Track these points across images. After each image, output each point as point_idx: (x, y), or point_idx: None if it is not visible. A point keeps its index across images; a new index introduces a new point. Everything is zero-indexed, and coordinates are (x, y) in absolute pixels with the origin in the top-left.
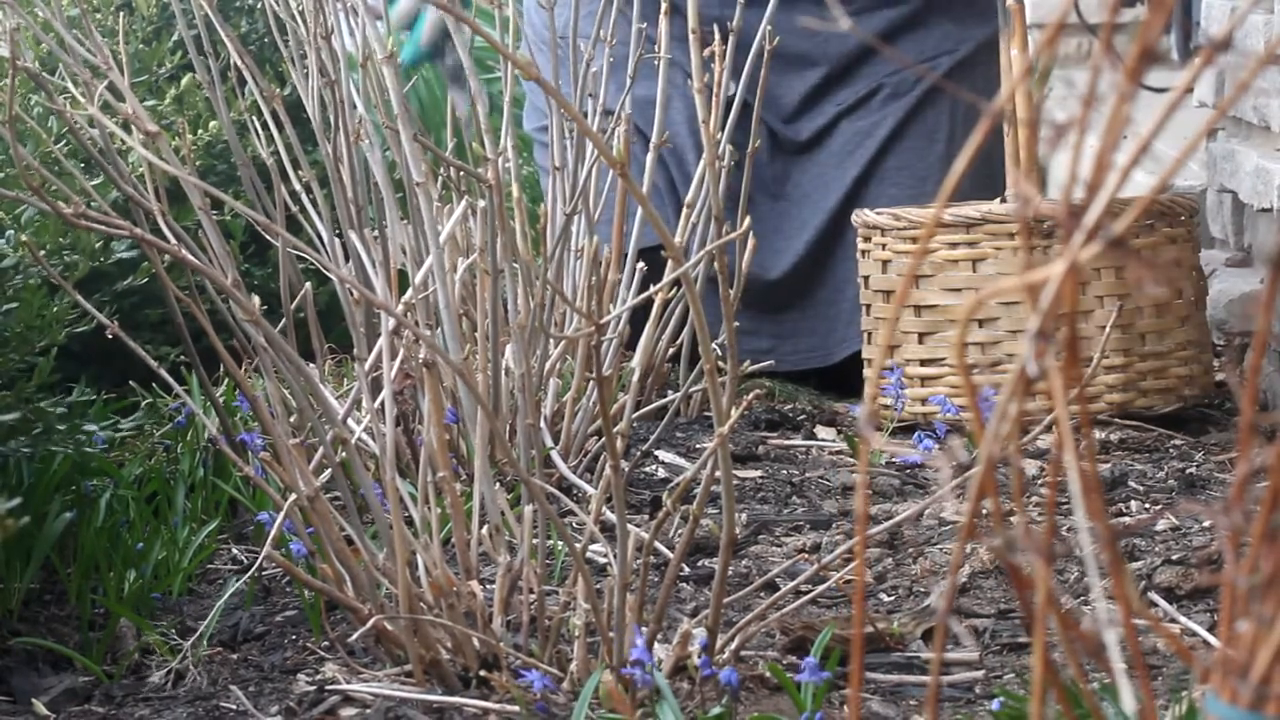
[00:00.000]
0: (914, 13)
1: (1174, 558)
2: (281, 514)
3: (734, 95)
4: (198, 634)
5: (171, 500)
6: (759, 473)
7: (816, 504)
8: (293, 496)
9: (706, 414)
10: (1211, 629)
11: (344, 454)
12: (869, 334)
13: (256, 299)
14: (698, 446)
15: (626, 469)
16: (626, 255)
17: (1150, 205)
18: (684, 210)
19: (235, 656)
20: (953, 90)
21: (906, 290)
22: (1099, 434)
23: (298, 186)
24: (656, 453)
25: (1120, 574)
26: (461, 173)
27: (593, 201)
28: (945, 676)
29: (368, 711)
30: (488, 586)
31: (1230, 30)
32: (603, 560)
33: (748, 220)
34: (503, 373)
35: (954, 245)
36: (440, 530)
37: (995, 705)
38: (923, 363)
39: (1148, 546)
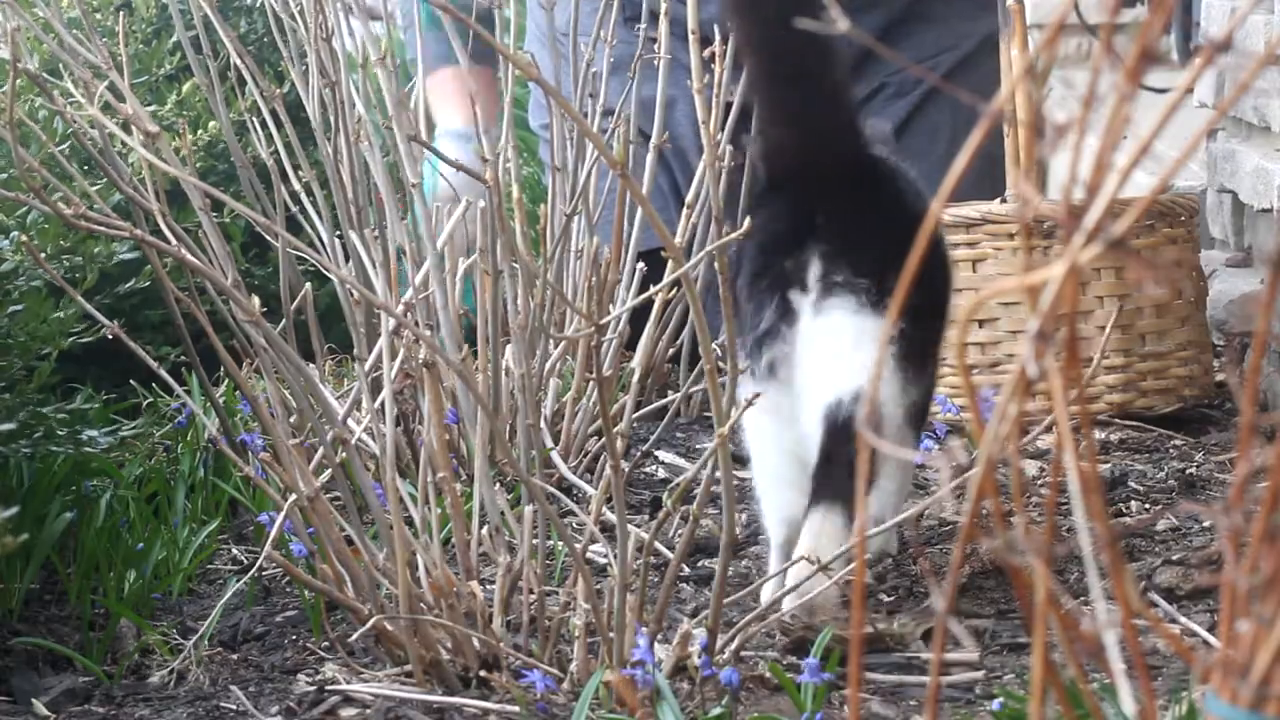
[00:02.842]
0: (913, 8)
1: (1174, 558)
2: (281, 514)
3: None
4: (198, 634)
5: (171, 500)
6: None
7: None
8: (293, 497)
9: (706, 414)
10: (1211, 629)
11: (344, 454)
12: None
13: (256, 300)
14: (698, 446)
15: (626, 469)
16: (626, 255)
17: (1150, 205)
18: (685, 211)
19: (235, 656)
20: (954, 90)
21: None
22: (1099, 434)
23: (297, 187)
24: (656, 453)
25: (1120, 574)
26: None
27: (593, 201)
28: (945, 676)
29: (368, 711)
30: (488, 587)
31: (1230, 30)
32: (603, 560)
33: (748, 221)
34: (503, 373)
35: (954, 245)
36: (440, 530)
37: (995, 705)
38: None
39: (1148, 546)
